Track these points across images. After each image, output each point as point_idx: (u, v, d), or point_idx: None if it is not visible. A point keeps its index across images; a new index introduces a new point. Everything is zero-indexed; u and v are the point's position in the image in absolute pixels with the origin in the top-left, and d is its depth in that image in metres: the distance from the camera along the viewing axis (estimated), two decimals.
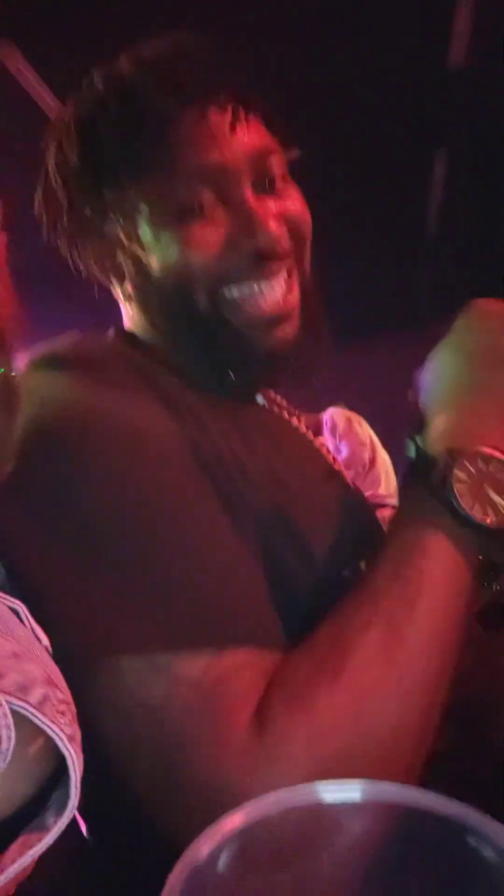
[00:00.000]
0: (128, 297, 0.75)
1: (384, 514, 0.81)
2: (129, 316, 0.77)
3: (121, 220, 0.70)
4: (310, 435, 0.78)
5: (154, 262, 0.69)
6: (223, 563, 0.53)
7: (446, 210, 4.06)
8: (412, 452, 0.57)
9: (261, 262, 0.67)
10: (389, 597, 0.51)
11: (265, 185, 0.69)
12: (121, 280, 0.74)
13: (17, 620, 0.42)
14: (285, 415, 0.78)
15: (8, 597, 0.43)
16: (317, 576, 0.60)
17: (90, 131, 0.69)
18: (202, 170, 0.66)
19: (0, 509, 0.52)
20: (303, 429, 0.78)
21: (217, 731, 0.46)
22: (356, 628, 0.50)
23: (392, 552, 0.54)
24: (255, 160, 0.68)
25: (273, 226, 0.66)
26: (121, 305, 0.78)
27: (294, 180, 0.74)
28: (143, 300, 0.73)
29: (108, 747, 0.48)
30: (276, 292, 0.68)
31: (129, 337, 0.76)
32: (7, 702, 0.35)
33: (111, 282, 0.76)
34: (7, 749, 0.34)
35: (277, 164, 0.71)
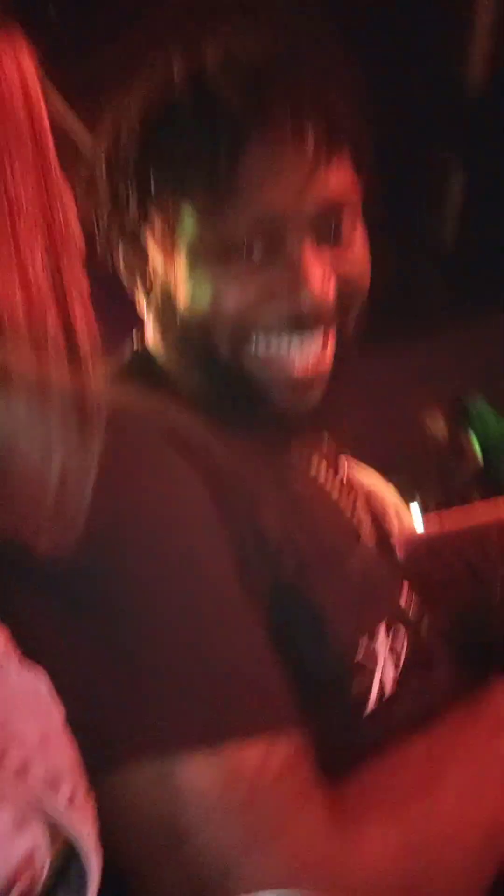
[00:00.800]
0: (150, 313, 0.68)
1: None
2: (151, 334, 0.70)
3: (160, 235, 0.63)
4: (335, 494, 0.73)
5: (183, 294, 0.62)
6: (259, 649, 0.49)
7: (462, 226, 4.20)
8: None
9: (298, 322, 0.61)
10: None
11: (329, 236, 0.61)
12: (146, 294, 0.68)
13: (41, 691, 0.38)
14: (313, 470, 0.72)
15: (30, 664, 0.38)
16: (333, 649, 0.56)
17: (156, 128, 0.60)
18: (263, 211, 0.58)
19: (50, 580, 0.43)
20: (328, 485, 0.72)
21: (286, 824, 0.43)
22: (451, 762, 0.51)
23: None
24: (327, 210, 0.60)
25: (321, 288, 0.59)
26: (145, 318, 0.72)
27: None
28: (164, 327, 0.67)
29: (137, 847, 0.43)
30: (307, 356, 0.62)
31: (148, 362, 0.70)
32: (37, 800, 0.32)
33: (137, 297, 0.70)
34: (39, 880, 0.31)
35: (349, 214, 0.63)
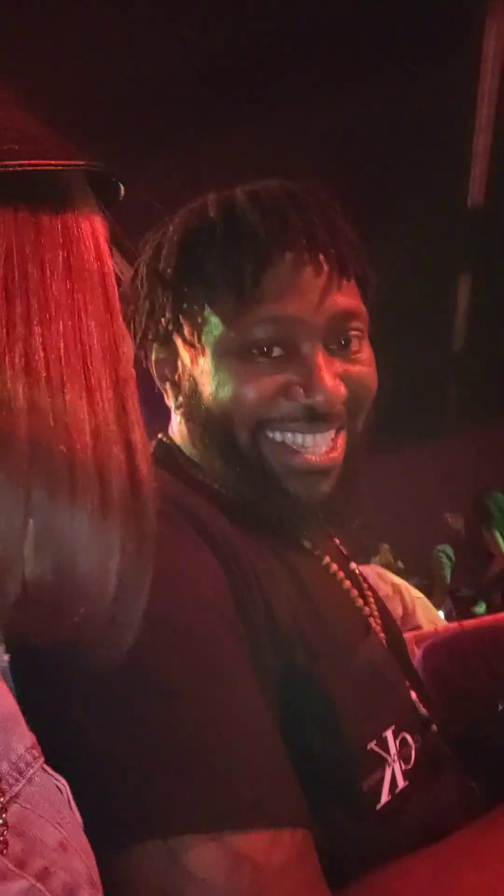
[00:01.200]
0: (178, 409, 0.74)
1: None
2: (177, 424, 0.75)
3: (189, 338, 0.69)
4: (347, 582, 0.74)
5: (208, 390, 0.67)
6: (268, 737, 0.50)
7: (471, 329, 4.28)
8: None
9: (312, 418, 0.65)
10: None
11: (339, 344, 0.67)
12: (175, 392, 0.73)
13: (63, 799, 0.39)
14: (327, 559, 0.74)
15: (54, 773, 0.39)
16: (339, 746, 0.56)
17: (192, 247, 0.67)
18: (281, 318, 0.64)
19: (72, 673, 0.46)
20: (340, 575, 0.74)
21: None
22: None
23: None
24: (337, 321, 0.66)
25: (333, 388, 0.64)
26: (171, 411, 0.77)
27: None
28: (191, 420, 0.71)
29: None
30: (320, 448, 0.66)
31: (172, 450, 0.75)
32: None
33: (165, 389, 0.75)
34: None
35: (357, 328, 0.68)
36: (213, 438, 0.69)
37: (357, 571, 0.80)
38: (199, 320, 0.68)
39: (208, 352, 0.67)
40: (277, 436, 0.66)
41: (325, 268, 0.65)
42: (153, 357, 0.74)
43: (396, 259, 3.23)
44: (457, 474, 5.62)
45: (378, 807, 0.55)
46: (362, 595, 0.75)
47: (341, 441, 0.68)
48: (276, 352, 0.65)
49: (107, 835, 0.40)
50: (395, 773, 0.57)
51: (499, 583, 4.14)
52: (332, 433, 0.67)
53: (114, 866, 0.41)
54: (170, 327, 0.71)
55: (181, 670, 0.48)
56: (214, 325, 0.67)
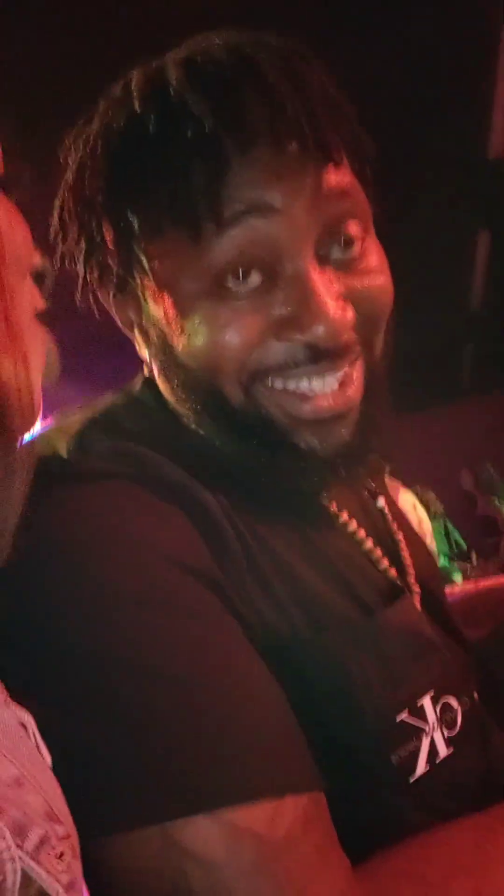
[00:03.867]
0: (153, 360, 0.61)
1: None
2: (157, 375, 0.63)
3: (144, 278, 0.56)
4: (369, 543, 0.64)
5: (180, 341, 0.54)
6: (264, 707, 0.46)
7: (489, 288, 4.17)
8: None
9: (316, 357, 0.53)
10: None
11: (337, 253, 0.54)
12: (145, 340, 0.61)
13: (24, 734, 0.38)
14: (344, 517, 0.64)
15: (20, 708, 0.39)
16: (367, 721, 0.51)
17: (121, 160, 0.53)
18: (252, 233, 0.51)
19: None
20: (361, 534, 0.64)
21: (299, 886, 0.41)
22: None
23: None
24: (328, 219, 0.53)
25: (336, 314, 0.51)
26: (150, 364, 0.64)
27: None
28: (168, 378, 0.59)
29: None
30: (330, 389, 0.54)
31: (152, 399, 0.63)
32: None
33: (133, 337, 0.63)
34: None
35: (357, 224, 0.55)
36: (199, 399, 0.56)
37: (386, 511, 0.72)
38: (151, 254, 0.54)
39: (172, 292, 0.54)
40: (278, 383, 0.54)
41: (302, 156, 0.50)
42: (110, 300, 0.61)
43: (412, 214, 3.13)
44: (474, 437, 5.55)
45: (412, 779, 0.51)
46: (390, 550, 0.66)
47: (358, 375, 0.56)
48: (255, 279, 0.52)
49: (99, 821, 0.40)
50: (434, 741, 0.52)
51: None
52: (344, 370, 0.55)
53: (110, 850, 0.41)
54: (118, 268, 0.57)
55: (158, 645, 0.45)
56: (171, 257, 0.53)
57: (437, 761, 0.52)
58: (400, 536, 0.70)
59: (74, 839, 0.37)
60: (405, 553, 0.68)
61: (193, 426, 0.59)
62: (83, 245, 0.58)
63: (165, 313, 0.55)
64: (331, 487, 0.64)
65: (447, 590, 0.88)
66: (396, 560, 0.67)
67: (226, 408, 0.55)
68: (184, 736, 0.42)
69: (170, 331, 0.55)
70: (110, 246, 0.56)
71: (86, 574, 0.45)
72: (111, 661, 0.44)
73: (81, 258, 0.59)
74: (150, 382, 0.65)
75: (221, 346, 0.53)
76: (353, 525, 0.64)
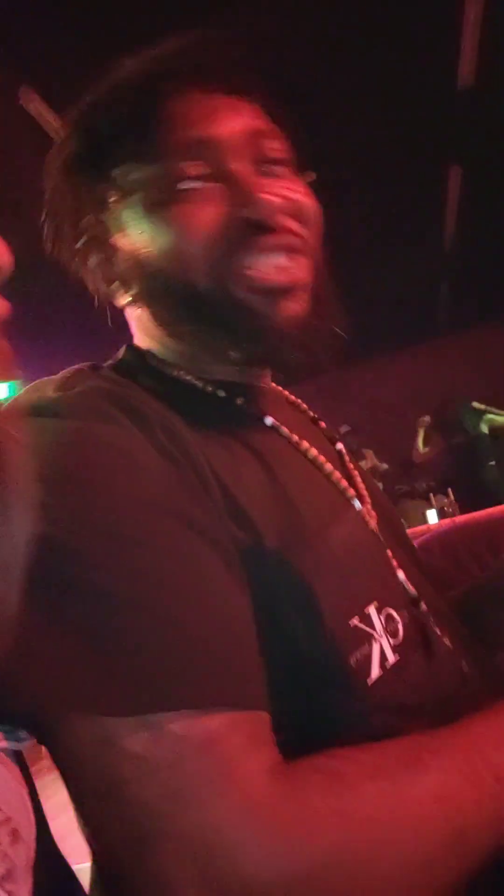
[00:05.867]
0: (136, 305, 0.70)
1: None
2: (141, 328, 0.73)
3: (120, 215, 0.66)
4: (321, 459, 0.70)
5: (152, 252, 0.65)
6: (208, 617, 0.49)
7: (462, 225, 4.12)
8: None
9: (260, 234, 0.63)
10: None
11: (265, 166, 0.66)
12: (127, 287, 0.69)
13: None
14: (295, 438, 0.70)
15: None
16: (319, 626, 0.54)
17: (84, 127, 0.66)
18: (193, 143, 0.63)
19: None
20: (314, 452, 0.70)
21: (209, 789, 0.43)
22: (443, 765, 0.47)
23: None
24: (251, 138, 0.65)
25: (269, 196, 0.62)
26: (132, 323, 0.74)
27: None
28: (149, 299, 0.68)
29: (84, 794, 0.46)
30: (280, 263, 0.64)
31: (141, 354, 0.72)
32: None
33: (114, 293, 0.71)
34: None
35: (279, 150, 0.67)
36: (174, 298, 0.65)
37: (343, 452, 0.78)
38: (122, 188, 0.66)
39: (140, 214, 0.65)
40: (234, 262, 0.63)
41: (224, 87, 0.64)
42: (91, 267, 0.70)
43: (379, 148, 3.07)
44: (449, 377, 5.58)
45: (370, 681, 0.54)
46: (346, 474, 0.73)
47: (304, 262, 0.65)
48: (203, 183, 0.63)
49: (43, 704, 0.44)
50: (383, 647, 0.57)
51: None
52: (286, 251, 0.64)
53: (60, 739, 0.45)
54: (97, 224, 0.68)
55: (104, 553, 0.48)
56: (136, 183, 0.65)
57: (388, 666, 0.56)
58: (356, 474, 0.75)
59: (17, 821, 0.37)
60: (361, 486, 0.74)
61: (173, 366, 0.69)
62: (69, 212, 0.69)
63: (138, 234, 0.65)
64: (290, 421, 0.71)
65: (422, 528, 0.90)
66: (353, 487, 0.72)
67: (194, 295, 0.63)
68: (124, 639, 0.45)
69: (142, 248, 0.65)
70: (87, 206, 0.67)
71: (57, 502, 0.49)
72: (74, 555, 0.47)
73: (66, 228, 0.69)
74: (130, 347, 0.73)
75: (183, 237, 0.63)
76: (305, 445, 0.70)
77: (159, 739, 0.44)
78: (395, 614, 0.59)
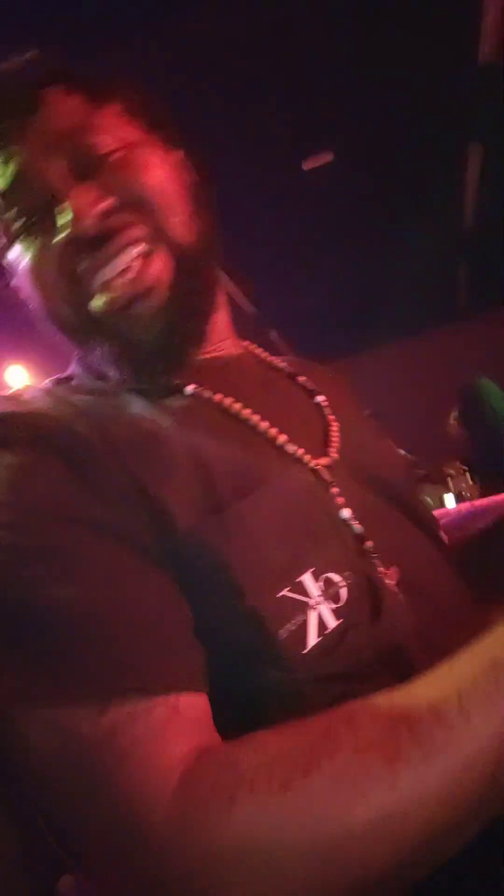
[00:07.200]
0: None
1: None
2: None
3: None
4: (254, 419, 0.67)
5: (24, 289, 0.67)
6: (113, 611, 0.49)
7: (482, 203, 4.05)
8: None
9: (92, 248, 0.61)
10: (439, 719, 0.43)
11: (86, 166, 0.63)
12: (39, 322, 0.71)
13: None
14: (220, 399, 0.68)
15: None
16: (240, 602, 0.52)
17: None
18: (7, 188, 0.64)
19: None
20: (246, 413, 0.67)
21: (112, 775, 0.44)
22: (365, 735, 0.43)
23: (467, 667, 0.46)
24: (59, 149, 0.63)
25: (75, 203, 0.60)
26: None
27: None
28: (49, 332, 0.70)
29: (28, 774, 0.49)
30: (128, 265, 0.62)
31: (79, 364, 0.74)
32: None
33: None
34: None
35: (94, 141, 0.64)
36: (62, 330, 0.67)
37: (322, 404, 0.76)
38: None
39: (11, 257, 0.67)
40: (84, 285, 0.63)
41: (22, 96, 0.63)
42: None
43: (397, 126, 3.02)
44: (469, 361, 5.51)
45: (305, 651, 0.53)
46: (323, 427, 0.71)
47: (157, 255, 0.63)
48: (34, 218, 0.63)
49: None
50: (321, 614, 0.55)
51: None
52: (130, 251, 0.62)
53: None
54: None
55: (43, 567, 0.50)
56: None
57: (327, 632, 0.54)
58: (333, 423, 0.73)
59: None
60: (334, 437, 0.70)
61: (88, 378, 0.71)
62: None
63: (15, 269, 0.67)
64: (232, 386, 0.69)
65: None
66: (320, 442, 0.70)
67: (66, 328, 0.66)
68: (28, 639, 0.48)
69: (23, 283, 0.67)
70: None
71: None
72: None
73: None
74: (61, 379, 0.74)
75: (34, 275, 0.64)
76: (237, 407, 0.67)
77: (67, 733, 0.45)
78: (335, 577, 0.57)
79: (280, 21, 2.28)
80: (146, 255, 0.63)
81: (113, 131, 0.65)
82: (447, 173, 3.67)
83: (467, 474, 3.93)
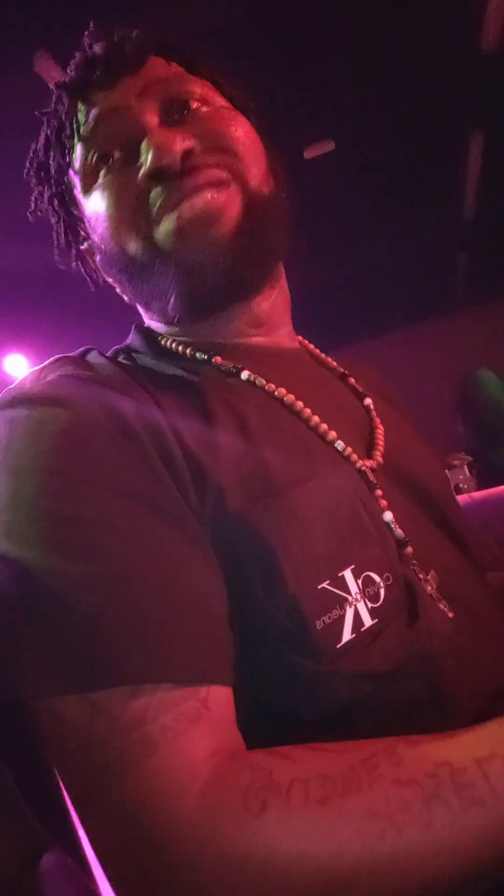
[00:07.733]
0: (101, 263, 0.75)
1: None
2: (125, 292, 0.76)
3: (79, 204, 0.72)
4: (307, 412, 0.67)
5: (99, 227, 0.69)
6: (153, 593, 0.49)
7: (483, 193, 4.02)
8: None
9: (171, 182, 0.64)
10: (483, 773, 0.43)
11: (176, 115, 0.68)
12: (106, 271, 0.75)
13: None
14: (274, 389, 0.68)
15: None
16: (282, 588, 0.53)
17: (38, 147, 0.76)
18: (99, 125, 0.68)
19: None
20: (299, 405, 0.67)
21: (138, 763, 0.43)
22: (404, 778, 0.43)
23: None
24: (153, 95, 0.67)
25: (159, 140, 0.63)
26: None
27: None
28: (115, 280, 0.74)
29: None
30: (204, 200, 0.64)
31: (136, 337, 0.76)
32: None
33: (109, 280, 0.76)
34: None
35: (187, 91, 0.69)
36: (123, 274, 0.69)
37: (371, 407, 0.77)
38: (74, 191, 0.72)
39: (86, 201, 0.70)
40: (163, 225, 0.65)
41: (106, 60, 0.68)
42: (83, 250, 0.78)
43: (397, 114, 2.99)
44: (469, 350, 5.51)
45: (339, 644, 0.53)
46: (369, 430, 0.72)
47: (232, 191, 0.66)
48: (117, 155, 0.67)
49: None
50: (358, 610, 0.55)
51: None
52: (207, 191, 0.65)
53: (21, 717, 0.47)
54: (70, 208, 0.75)
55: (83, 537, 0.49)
56: (76, 175, 0.71)
57: (362, 629, 0.54)
58: (380, 426, 0.74)
59: None
60: (379, 440, 0.71)
61: (169, 337, 0.73)
62: (61, 229, 0.77)
63: (89, 214, 0.71)
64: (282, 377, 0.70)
65: None
66: (366, 444, 0.71)
67: (130, 263, 0.67)
68: (63, 618, 0.46)
69: (96, 225, 0.70)
70: (63, 214, 0.76)
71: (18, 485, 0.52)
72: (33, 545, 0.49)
73: (64, 236, 0.78)
74: (136, 327, 0.77)
75: (110, 210, 0.67)
76: (291, 398, 0.68)
77: (96, 716, 0.45)
78: (375, 577, 0.57)
79: (279, 8, 2.26)
80: (219, 189, 0.65)
81: (203, 93, 0.70)
82: (449, 163, 3.64)
83: (466, 467, 3.93)
